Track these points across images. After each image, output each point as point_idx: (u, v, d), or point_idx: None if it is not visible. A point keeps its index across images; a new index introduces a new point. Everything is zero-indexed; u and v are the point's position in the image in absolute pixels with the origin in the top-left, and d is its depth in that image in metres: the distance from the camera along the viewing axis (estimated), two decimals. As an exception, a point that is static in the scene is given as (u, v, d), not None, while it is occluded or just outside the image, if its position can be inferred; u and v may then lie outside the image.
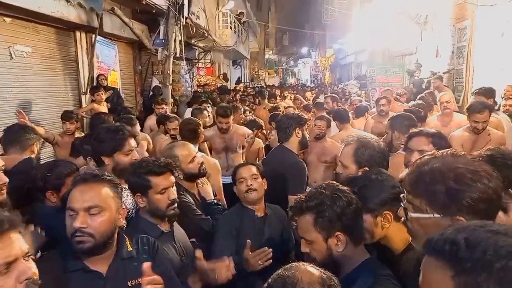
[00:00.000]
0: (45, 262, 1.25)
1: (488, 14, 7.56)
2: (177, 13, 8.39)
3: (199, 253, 1.98)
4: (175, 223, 2.11)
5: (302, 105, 8.32)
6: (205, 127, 4.29)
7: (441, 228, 1.15)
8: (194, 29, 10.07)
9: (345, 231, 1.42)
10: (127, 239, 1.64)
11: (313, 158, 3.94)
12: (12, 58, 5.49)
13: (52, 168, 2.23)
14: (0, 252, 1.09)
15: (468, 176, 1.14)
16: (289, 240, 2.54)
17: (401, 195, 1.30)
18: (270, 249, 2.05)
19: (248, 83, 24.09)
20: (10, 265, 1.10)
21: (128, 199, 2.09)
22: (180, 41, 8.76)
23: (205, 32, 11.52)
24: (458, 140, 3.71)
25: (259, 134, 5.06)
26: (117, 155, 2.28)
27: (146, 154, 3.66)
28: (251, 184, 2.37)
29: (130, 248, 1.62)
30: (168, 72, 8.80)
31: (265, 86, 19.79)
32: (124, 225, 1.74)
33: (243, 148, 4.48)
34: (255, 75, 30.70)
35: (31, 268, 1.14)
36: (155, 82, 9.80)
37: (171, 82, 9.06)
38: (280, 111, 6.15)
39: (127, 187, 2.09)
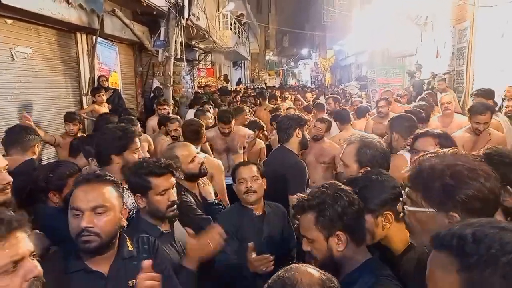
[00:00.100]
0: (47, 262, 1.26)
1: (488, 15, 7.58)
2: (177, 15, 8.41)
3: (189, 230, 1.97)
4: (176, 222, 2.12)
5: (302, 106, 8.33)
6: (206, 128, 4.30)
7: (436, 223, 1.17)
8: (195, 30, 10.08)
9: (346, 231, 1.42)
10: (127, 239, 1.65)
11: (312, 159, 3.95)
12: (14, 59, 5.51)
13: (54, 169, 2.24)
14: (8, 251, 1.10)
15: (465, 174, 1.16)
16: (290, 238, 2.54)
17: (402, 192, 1.32)
18: (272, 257, 2.06)
19: (248, 84, 24.11)
20: (17, 264, 1.11)
21: (129, 199, 2.10)
22: (181, 42, 8.77)
23: (206, 34, 11.53)
24: (459, 141, 3.70)
25: (260, 135, 5.07)
26: (127, 153, 2.29)
27: (148, 155, 3.67)
28: (251, 186, 2.37)
29: (130, 248, 1.63)
30: (169, 73, 8.81)
31: (265, 87, 19.81)
32: (125, 225, 1.74)
33: (244, 149, 4.49)
34: (256, 76, 30.73)
35: (37, 267, 1.15)
36: (156, 84, 9.82)
37: (171, 83, 9.08)
38: (281, 112, 6.16)
39: (127, 187, 2.10)
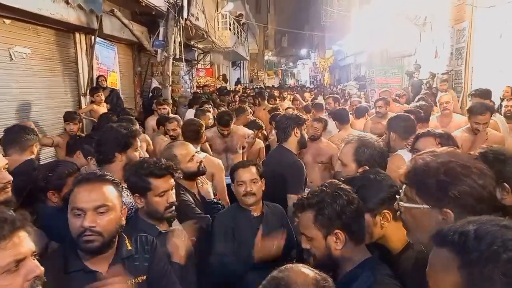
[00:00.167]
0: (46, 261, 1.26)
1: (487, 15, 7.59)
2: (176, 15, 8.42)
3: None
4: (175, 221, 2.12)
5: (301, 106, 8.34)
6: (206, 128, 4.30)
7: (431, 220, 1.19)
8: (194, 30, 10.08)
9: (345, 230, 1.43)
10: (126, 238, 1.66)
11: (309, 158, 3.94)
12: (12, 59, 5.50)
13: (53, 168, 2.24)
14: (11, 250, 1.11)
15: (458, 170, 1.18)
16: (289, 238, 2.53)
17: (400, 191, 1.34)
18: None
19: (247, 84, 24.11)
20: (19, 263, 1.12)
21: (127, 198, 2.10)
22: (180, 42, 8.78)
23: (205, 34, 11.54)
24: (457, 140, 3.71)
25: (259, 135, 5.07)
26: (130, 151, 2.32)
27: (147, 155, 3.67)
28: (250, 190, 2.36)
29: (129, 247, 1.64)
30: (168, 73, 8.82)
31: (264, 87, 19.82)
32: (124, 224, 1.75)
33: (243, 149, 4.49)
34: (255, 76, 30.74)
35: (39, 267, 1.16)
36: (155, 83, 9.82)
37: (170, 83, 9.08)
38: (280, 111, 6.16)
39: (126, 187, 2.10)
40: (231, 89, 15.51)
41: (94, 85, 7.15)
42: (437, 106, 4.97)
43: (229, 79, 19.37)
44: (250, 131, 4.62)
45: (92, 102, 6.68)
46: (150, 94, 9.60)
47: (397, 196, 1.34)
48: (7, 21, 5.38)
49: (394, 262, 1.55)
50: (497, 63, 7.20)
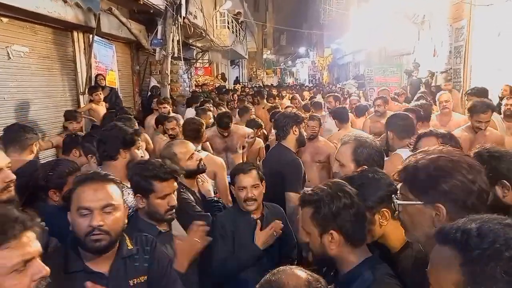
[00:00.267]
0: (47, 260, 1.26)
1: (485, 13, 7.60)
2: (174, 13, 8.39)
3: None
4: (175, 221, 2.12)
5: (300, 104, 8.33)
6: (206, 127, 4.30)
7: (425, 216, 1.20)
8: (192, 29, 10.06)
9: (340, 231, 1.42)
10: (126, 237, 1.66)
11: (307, 158, 3.93)
12: (10, 58, 5.48)
13: (54, 167, 2.24)
14: (20, 250, 1.12)
15: (448, 165, 1.20)
16: (289, 239, 2.52)
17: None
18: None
19: (246, 83, 24.08)
20: (27, 263, 1.13)
21: (129, 197, 2.10)
22: (178, 41, 8.75)
23: (203, 32, 11.51)
24: (457, 139, 3.72)
25: (259, 134, 5.07)
26: (133, 149, 2.39)
27: (146, 154, 3.67)
28: (252, 195, 2.33)
29: (130, 246, 1.64)
30: (166, 72, 8.80)
31: (263, 86, 19.80)
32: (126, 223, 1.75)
33: (243, 148, 4.48)
34: (253, 75, 30.71)
35: (45, 268, 1.17)
36: (153, 82, 9.81)
37: (169, 82, 9.06)
38: (280, 110, 6.16)
39: (128, 185, 2.10)
40: (230, 88, 15.49)
41: (93, 84, 7.14)
42: (436, 105, 4.98)
43: (227, 78, 19.34)
44: (250, 130, 4.61)
45: (90, 101, 6.67)
46: (149, 93, 9.59)
47: (393, 196, 1.36)
48: (5, 20, 5.36)
49: (394, 261, 1.55)
50: (496, 61, 7.21)
